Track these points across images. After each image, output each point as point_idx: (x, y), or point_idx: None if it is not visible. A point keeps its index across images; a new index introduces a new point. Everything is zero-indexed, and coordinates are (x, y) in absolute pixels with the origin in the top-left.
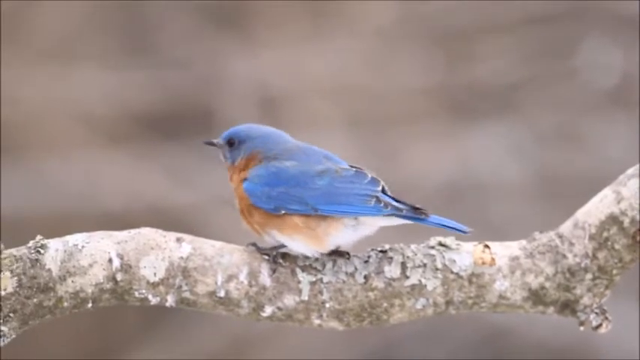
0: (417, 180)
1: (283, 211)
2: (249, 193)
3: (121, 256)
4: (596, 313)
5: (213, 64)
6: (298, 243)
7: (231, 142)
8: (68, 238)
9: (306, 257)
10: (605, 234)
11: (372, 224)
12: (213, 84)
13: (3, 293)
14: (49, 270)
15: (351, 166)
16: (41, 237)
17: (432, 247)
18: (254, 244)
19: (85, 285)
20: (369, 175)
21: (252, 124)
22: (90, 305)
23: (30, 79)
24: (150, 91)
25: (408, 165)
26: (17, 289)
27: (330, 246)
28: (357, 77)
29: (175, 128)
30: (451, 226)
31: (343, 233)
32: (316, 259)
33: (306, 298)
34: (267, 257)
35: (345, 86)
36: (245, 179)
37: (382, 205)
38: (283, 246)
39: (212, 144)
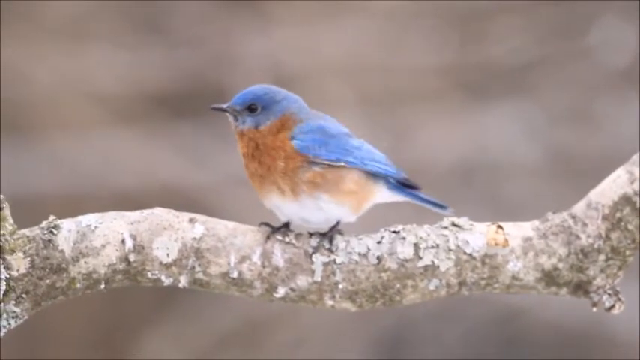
0: (429, 159)
1: (343, 163)
2: (305, 149)
3: (133, 237)
4: (609, 294)
5: (227, 43)
6: (344, 208)
7: (252, 108)
8: (81, 218)
9: (321, 235)
10: (618, 214)
11: (385, 198)
12: (227, 62)
13: (16, 274)
14: (62, 251)
15: None
16: (54, 217)
17: (445, 228)
18: (267, 224)
19: (97, 266)
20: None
21: (263, 85)
22: (103, 286)
23: (43, 58)
24: (163, 70)
25: (420, 144)
26: (30, 269)
27: (362, 212)
28: (371, 56)
29: (189, 107)
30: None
31: (375, 199)
32: (330, 240)
33: (319, 279)
34: (279, 238)
35: (359, 65)
36: (292, 139)
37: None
38: (337, 227)
39: (222, 109)
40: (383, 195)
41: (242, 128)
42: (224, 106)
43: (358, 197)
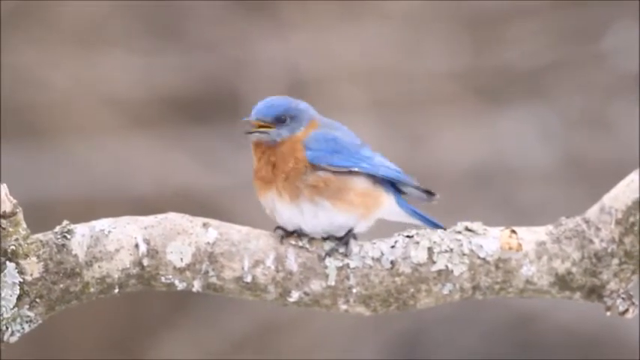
0: (444, 164)
1: (357, 169)
2: (317, 159)
3: (147, 242)
4: (623, 299)
5: (241, 47)
6: (347, 216)
7: (282, 119)
8: (94, 223)
9: (336, 240)
10: (631, 219)
11: (392, 213)
12: (242, 67)
13: (29, 278)
14: (76, 255)
15: None
16: (68, 222)
17: (459, 232)
18: (281, 228)
19: (111, 270)
20: None
21: (282, 97)
22: (116, 291)
23: (58, 63)
24: (178, 75)
25: (435, 149)
26: (44, 274)
27: (372, 221)
28: (386, 60)
29: (204, 112)
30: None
31: (383, 210)
32: (345, 245)
33: (333, 283)
34: (293, 243)
35: (374, 69)
36: (305, 148)
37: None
38: (352, 231)
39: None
40: (392, 209)
41: (280, 139)
42: (254, 117)
43: (365, 204)
